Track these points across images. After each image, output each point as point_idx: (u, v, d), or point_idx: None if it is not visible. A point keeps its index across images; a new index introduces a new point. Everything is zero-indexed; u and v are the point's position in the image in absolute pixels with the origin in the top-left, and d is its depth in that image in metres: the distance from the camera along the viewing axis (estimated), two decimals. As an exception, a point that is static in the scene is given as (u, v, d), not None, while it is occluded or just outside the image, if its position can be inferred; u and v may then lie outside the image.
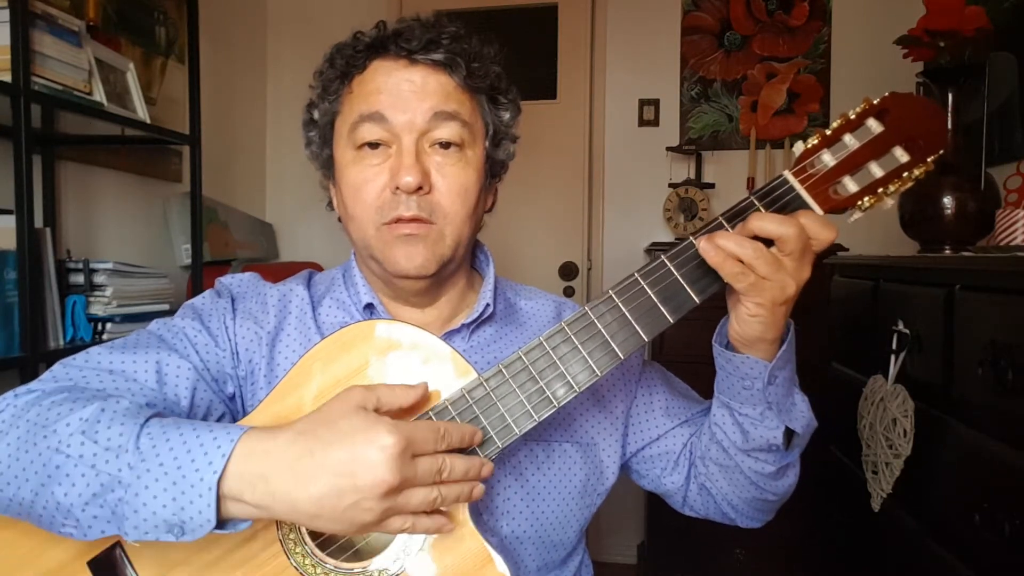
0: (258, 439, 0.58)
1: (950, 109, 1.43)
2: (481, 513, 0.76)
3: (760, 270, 0.65)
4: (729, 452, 0.79)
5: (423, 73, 0.77)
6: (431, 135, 0.77)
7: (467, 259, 0.86)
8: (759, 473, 0.80)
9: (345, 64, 0.80)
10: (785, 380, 0.74)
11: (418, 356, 0.71)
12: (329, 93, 0.82)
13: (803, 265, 0.66)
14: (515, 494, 0.79)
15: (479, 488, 0.64)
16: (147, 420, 0.60)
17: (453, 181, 0.77)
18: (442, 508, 0.64)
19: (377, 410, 0.62)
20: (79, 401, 0.63)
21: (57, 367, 0.73)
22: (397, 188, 0.75)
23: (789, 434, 0.78)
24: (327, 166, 0.84)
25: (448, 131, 0.77)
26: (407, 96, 0.76)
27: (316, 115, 0.84)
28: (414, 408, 0.67)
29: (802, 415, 0.77)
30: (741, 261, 0.65)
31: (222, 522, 0.57)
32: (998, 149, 1.76)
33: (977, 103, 1.59)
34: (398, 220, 0.76)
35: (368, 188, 0.77)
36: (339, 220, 0.87)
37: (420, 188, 0.75)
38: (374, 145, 0.77)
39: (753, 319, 0.68)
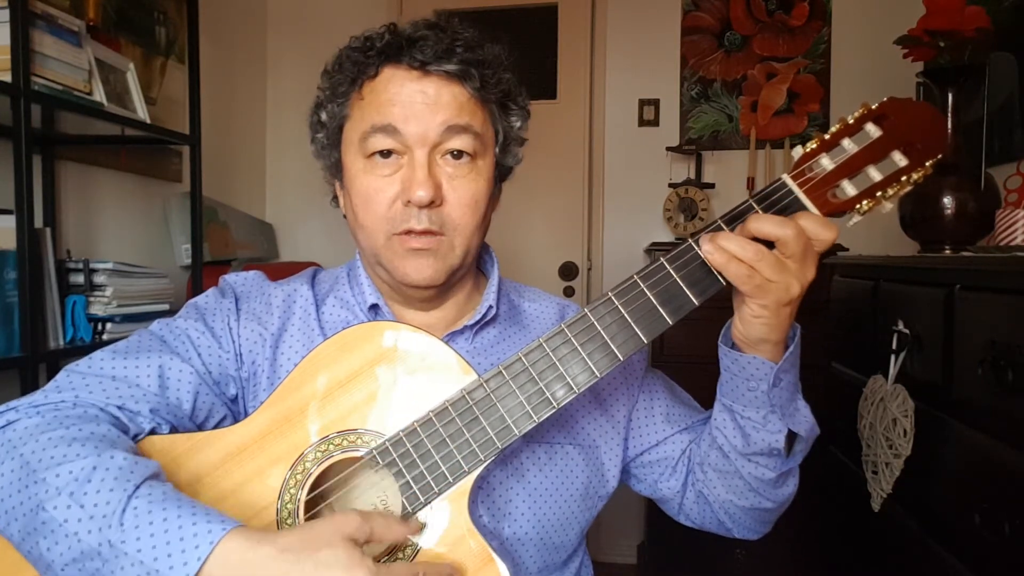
0: (238, 545, 0.56)
1: (950, 109, 1.43)
2: (482, 515, 0.76)
3: (764, 272, 0.65)
4: (730, 457, 0.79)
5: (436, 85, 0.77)
6: (443, 147, 0.77)
7: (474, 262, 0.87)
8: (759, 479, 0.79)
9: (356, 69, 0.79)
10: (789, 384, 0.74)
11: (420, 358, 0.71)
12: (338, 96, 0.81)
13: (806, 266, 0.67)
14: (517, 495, 0.79)
15: None
16: (137, 488, 0.59)
17: (464, 193, 0.77)
18: None
19: (367, 542, 0.62)
20: (74, 445, 0.62)
21: (61, 375, 0.73)
22: (409, 201, 0.75)
23: (790, 440, 0.78)
24: (336, 169, 0.84)
25: (460, 143, 0.77)
26: (420, 108, 0.76)
27: (324, 117, 0.83)
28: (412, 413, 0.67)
29: (805, 419, 0.77)
30: (744, 263, 0.65)
31: None
32: (998, 149, 1.76)
33: (977, 103, 1.59)
34: (409, 232, 0.76)
35: (379, 199, 0.77)
36: (344, 217, 0.87)
37: (432, 202, 0.75)
38: (385, 154, 0.77)
39: (757, 320, 0.68)
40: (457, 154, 0.77)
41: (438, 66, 0.76)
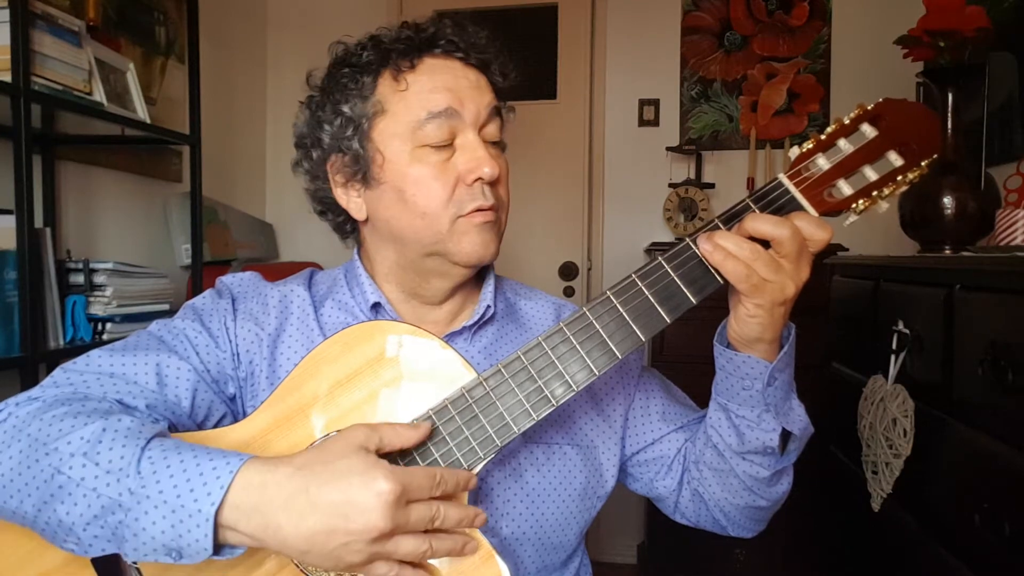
0: (256, 471, 0.58)
1: (950, 109, 1.43)
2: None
3: (760, 271, 0.66)
4: (724, 455, 0.79)
5: (475, 72, 0.81)
6: (485, 131, 0.80)
7: None
8: (753, 477, 0.79)
9: (384, 59, 0.78)
10: (784, 383, 0.74)
11: (420, 357, 0.71)
12: (364, 89, 0.78)
13: (801, 266, 0.67)
14: (515, 495, 0.80)
15: (471, 544, 0.65)
16: (148, 442, 0.60)
17: (504, 172, 0.81)
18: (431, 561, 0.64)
19: (379, 450, 0.62)
20: (80, 416, 0.63)
21: (58, 372, 0.73)
22: (476, 180, 0.77)
23: (784, 439, 0.78)
24: (361, 165, 0.79)
25: (495, 126, 0.81)
26: (471, 92, 0.79)
27: (347, 110, 0.79)
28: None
29: (800, 419, 0.77)
30: (741, 261, 0.66)
31: (218, 546, 0.58)
32: (998, 149, 1.76)
33: (977, 103, 1.59)
34: (478, 210, 0.78)
35: (437, 184, 0.77)
36: (350, 222, 0.86)
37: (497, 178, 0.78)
38: (436, 143, 0.78)
39: (752, 319, 0.69)
40: (494, 139, 0.81)
41: (475, 55, 0.80)
